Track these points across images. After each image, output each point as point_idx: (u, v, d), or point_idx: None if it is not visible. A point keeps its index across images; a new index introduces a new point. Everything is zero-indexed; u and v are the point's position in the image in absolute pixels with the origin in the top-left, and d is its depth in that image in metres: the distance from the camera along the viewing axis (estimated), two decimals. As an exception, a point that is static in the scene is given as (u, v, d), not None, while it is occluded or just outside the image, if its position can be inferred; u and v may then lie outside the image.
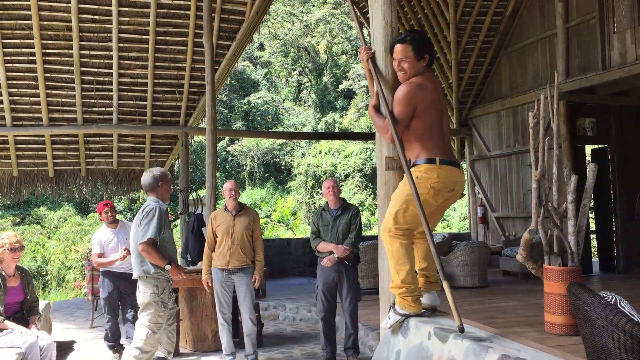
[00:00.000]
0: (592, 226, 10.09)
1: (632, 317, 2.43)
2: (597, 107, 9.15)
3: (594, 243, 10.74)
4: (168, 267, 4.62)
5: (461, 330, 2.96)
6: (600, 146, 9.83)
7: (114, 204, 6.64)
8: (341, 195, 5.91)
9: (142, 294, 4.66)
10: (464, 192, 3.77)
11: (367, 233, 17.88)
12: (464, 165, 12.77)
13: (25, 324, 5.00)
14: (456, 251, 8.24)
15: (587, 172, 4.52)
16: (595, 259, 10.05)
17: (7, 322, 4.83)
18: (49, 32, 9.24)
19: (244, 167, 26.91)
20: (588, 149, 10.79)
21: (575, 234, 4.53)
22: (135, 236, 4.65)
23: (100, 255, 6.18)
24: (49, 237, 19.36)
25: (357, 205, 21.25)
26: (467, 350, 2.72)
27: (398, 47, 3.62)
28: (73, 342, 7.02)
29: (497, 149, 11.01)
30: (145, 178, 4.80)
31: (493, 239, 11.20)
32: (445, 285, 3.18)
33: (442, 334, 3.01)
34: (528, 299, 6.47)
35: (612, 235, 9.31)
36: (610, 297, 2.62)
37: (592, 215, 9.68)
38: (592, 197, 8.34)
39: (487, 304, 6.48)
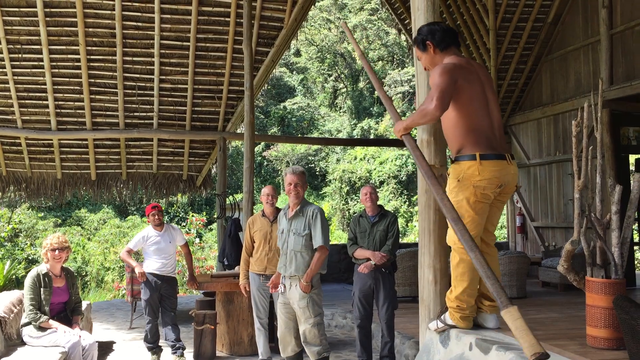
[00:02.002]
0: (636, 238, 9.84)
1: (683, 333, 2.36)
2: (642, 115, 8.93)
3: (638, 255, 10.47)
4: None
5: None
6: (644, 156, 9.60)
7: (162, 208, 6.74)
8: (377, 202, 5.90)
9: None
10: (518, 185, 3.59)
11: (402, 240, 17.77)
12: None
13: (69, 323, 5.13)
14: (494, 260, 8.12)
15: (632, 182, 4.42)
16: (638, 272, 9.79)
17: (51, 321, 4.97)
18: (94, 39, 9.48)
19: (279, 172, 27.06)
20: (632, 158, 10.54)
21: (620, 245, 4.42)
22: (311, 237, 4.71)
23: (130, 251, 6.34)
24: (88, 239, 19.82)
25: (392, 212, 21.16)
26: (509, 362, 2.69)
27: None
28: (112, 342, 7.15)
29: (537, 157, 10.82)
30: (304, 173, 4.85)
31: (532, 249, 11.01)
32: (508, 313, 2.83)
33: (485, 345, 2.97)
34: (569, 312, 6.33)
35: (657, 247, 9.07)
36: (659, 312, 2.55)
37: (635, 227, 9.43)
38: (637, 208, 8.13)
39: (525, 315, 6.32)
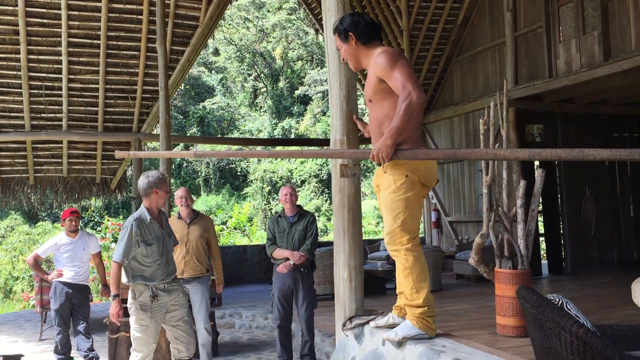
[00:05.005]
0: (541, 229, 10.39)
1: (578, 319, 2.51)
2: (545, 113, 9.43)
3: (543, 246, 11.05)
4: (112, 299, 4.39)
5: None
6: (548, 151, 10.12)
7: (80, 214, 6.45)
8: (298, 202, 5.91)
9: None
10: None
11: (323, 239, 17.93)
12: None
13: (-31, 338, 4.83)
14: (411, 256, 8.33)
15: (536, 177, 4.66)
16: (544, 261, 10.34)
17: (-51, 337, 4.65)
18: (-6, 36, 8.97)
19: (199, 174, 26.61)
20: (537, 154, 11.11)
21: (525, 237, 4.65)
22: None
23: (38, 257, 6.07)
24: (-5, 247, 18.70)
25: (314, 211, 21.30)
26: (420, 355, 2.77)
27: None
28: (20, 355, 6.77)
29: (450, 155, 11.19)
30: (140, 183, 4.45)
31: (447, 243, 11.40)
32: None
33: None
34: (480, 302, 6.60)
35: (560, 238, 9.60)
36: (557, 299, 2.70)
37: (540, 218, 9.95)
38: (541, 201, 8.58)
39: (440, 307, 6.57)
